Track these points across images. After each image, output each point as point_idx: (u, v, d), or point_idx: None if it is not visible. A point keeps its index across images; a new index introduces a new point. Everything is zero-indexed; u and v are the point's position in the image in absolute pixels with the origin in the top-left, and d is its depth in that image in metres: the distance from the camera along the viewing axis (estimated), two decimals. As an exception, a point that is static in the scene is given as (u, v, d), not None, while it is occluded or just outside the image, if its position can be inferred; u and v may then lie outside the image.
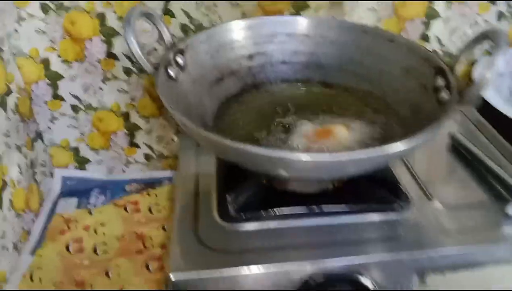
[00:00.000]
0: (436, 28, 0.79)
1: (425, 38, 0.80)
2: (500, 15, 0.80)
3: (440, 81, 0.58)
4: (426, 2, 0.76)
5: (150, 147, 0.85)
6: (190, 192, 0.62)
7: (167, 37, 0.61)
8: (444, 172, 0.65)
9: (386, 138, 0.59)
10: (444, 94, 0.56)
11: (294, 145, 0.57)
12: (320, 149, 0.56)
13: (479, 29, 0.80)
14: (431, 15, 0.78)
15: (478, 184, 0.62)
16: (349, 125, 0.60)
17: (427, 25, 0.79)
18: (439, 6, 0.77)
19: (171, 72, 0.58)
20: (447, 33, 0.80)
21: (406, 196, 0.59)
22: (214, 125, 0.62)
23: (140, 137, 0.84)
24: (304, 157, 0.43)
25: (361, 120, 0.62)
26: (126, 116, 0.81)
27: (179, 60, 0.61)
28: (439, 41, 0.81)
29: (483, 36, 0.54)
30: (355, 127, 0.60)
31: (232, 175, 0.60)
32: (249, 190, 0.59)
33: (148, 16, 0.59)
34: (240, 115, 0.65)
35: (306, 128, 0.59)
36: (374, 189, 0.58)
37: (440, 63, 0.59)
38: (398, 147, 0.45)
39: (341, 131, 0.58)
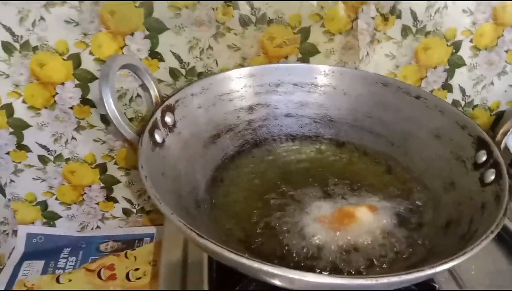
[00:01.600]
0: (460, 77, 0.70)
1: (447, 87, 0.70)
2: (530, 64, 0.72)
3: (482, 156, 0.49)
4: (450, 48, 0.67)
5: (129, 201, 0.74)
6: (177, 259, 0.55)
7: (154, 92, 0.50)
8: (484, 262, 0.54)
9: (418, 224, 0.49)
10: (490, 175, 0.46)
11: (310, 236, 0.46)
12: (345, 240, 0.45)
13: (507, 79, 0.72)
14: (455, 63, 0.69)
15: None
16: (372, 206, 0.50)
17: (450, 73, 0.69)
18: (464, 54, 0.68)
19: (158, 137, 0.48)
20: (472, 83, 0.71)
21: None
22: (207, 197, 0.52)
23: (118, 191, 0.72)
24: (338, 280, 0.33)
25: (383, 197, 0.52)
26: (102, 168, 0.69)
27: (168, 119, 0.51)
28: (462, 91, 0.71)
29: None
30: (379, 208, 0.50)
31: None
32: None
33: (132, 68, 0.48)
34: (237, 185, 0.54)
35: (321, 211, 0.49)
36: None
37: (483, 134, 0.50)
38: (451, 263, 0.35)
39: (365, 214, 0.48)
